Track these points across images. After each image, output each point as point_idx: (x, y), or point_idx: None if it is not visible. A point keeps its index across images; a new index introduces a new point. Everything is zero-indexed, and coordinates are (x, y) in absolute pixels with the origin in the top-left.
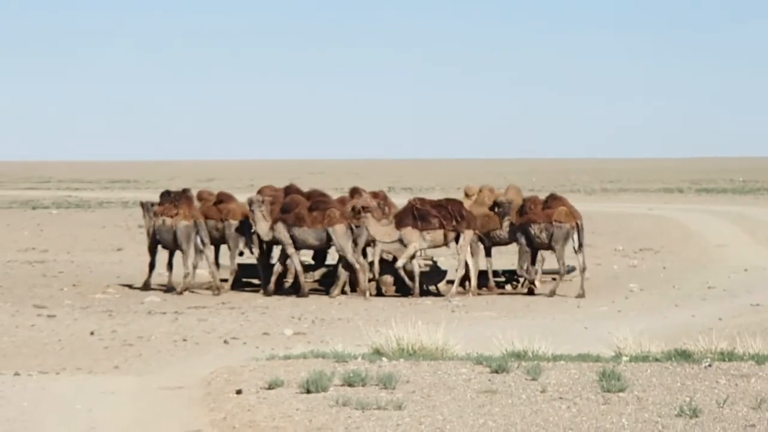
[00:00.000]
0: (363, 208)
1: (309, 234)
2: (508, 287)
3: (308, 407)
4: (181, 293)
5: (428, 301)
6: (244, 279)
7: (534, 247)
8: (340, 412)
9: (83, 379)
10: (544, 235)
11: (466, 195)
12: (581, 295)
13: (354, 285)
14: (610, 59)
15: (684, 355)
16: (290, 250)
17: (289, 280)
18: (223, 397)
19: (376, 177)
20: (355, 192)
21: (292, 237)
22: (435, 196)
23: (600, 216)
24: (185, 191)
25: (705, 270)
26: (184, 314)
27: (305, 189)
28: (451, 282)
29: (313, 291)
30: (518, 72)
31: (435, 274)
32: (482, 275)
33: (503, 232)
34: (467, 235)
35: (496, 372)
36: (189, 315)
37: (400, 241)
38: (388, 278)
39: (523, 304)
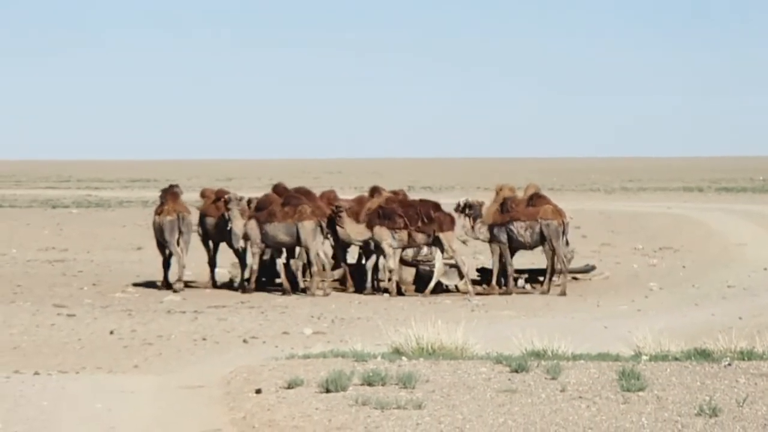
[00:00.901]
0: (337, 206)
1: (279, 229)
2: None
3: (328, 407)
4: (179, 288)
5: (448, 300)
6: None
7: (514, 247)
8: (359, 412)
9: (103, 378)
10: (528, 234)
11: (497, 193)
12: (563, 293)
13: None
14: (630, 56)
15: (704, 354)
16: (254, 249)
17: (307, 279)
18: (242, 397)
19: (396, 176)
20: (375, 191)
21: (264, 234)
22: (456, 195)
23: (620, 215)
24: (171, 187)
25: (725, 269)
26: (204, 313)
27: (322, 189)
28: (475, 282)
29: (333, 290)
30: (539, 70)
31: (454, 273)
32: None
33: (478, 233)
34: (444, 237)
35: (516, 371)
36: (208, 314)
37: (373, 239)
38: (408, 277)
39: (542, 303)
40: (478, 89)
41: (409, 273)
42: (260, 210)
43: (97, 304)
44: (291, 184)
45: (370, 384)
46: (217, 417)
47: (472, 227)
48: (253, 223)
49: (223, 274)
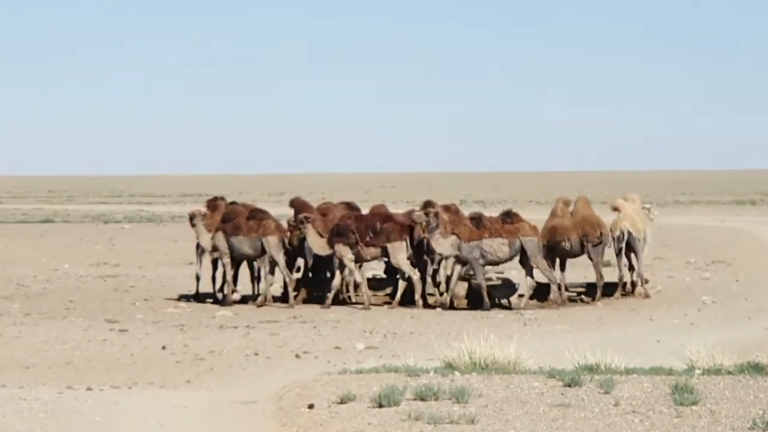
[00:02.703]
0: (305, 217)
1: (244, 242)
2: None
3: (380, 421)
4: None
5: (500, 314)
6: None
7: (487, 263)
8: (412, 426)
9: (155, 393)
10: (506, 250)
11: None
12: (524, 307)
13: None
14: (679, 71)
15: (757, 368)
16: (225, 259)
17: (357, 293)
18: (295, 412)
19: (447, 190)
20: (428, 205)
21: (230, 246)
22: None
23: (672, 228)
24: (215, 199)
25: None
26: (256, 328)
27: (374, 203)
28: (522, 295)
29: (385, 304)
30: (589, 84)
31: (506, 287)
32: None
33: (435, 244)
34: (391, 248)
35: (569, 385)
36: (260, 329)
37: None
38: (460, 291)
39: (595, 317)
40: (528, 104)
41: (462, 287)
42: (226, 222)
43: (149, 320)
44: (345, 199)
45: (422, 399)
46: (272, 429)
47: (425, 238)
48: (220, 236)
49: (275, 288)
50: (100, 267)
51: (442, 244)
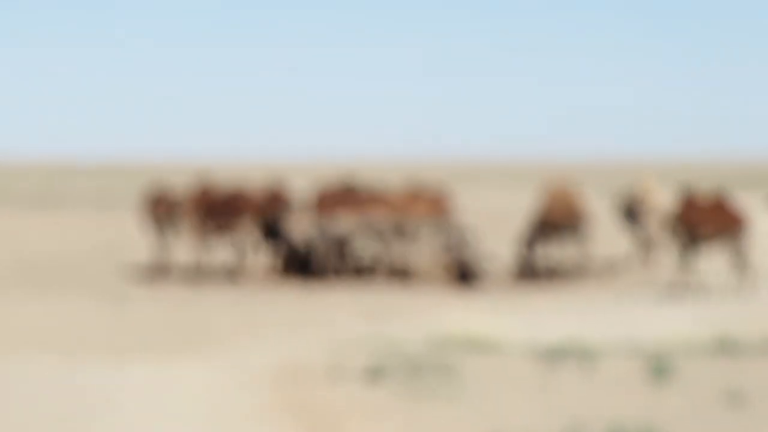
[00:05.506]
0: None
1: None
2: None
3: (371, 392)
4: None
5: (490, 293)
6: None
7: (339, 240)
8: (401, 399)
9: (157, 367)
10: (360, 227)
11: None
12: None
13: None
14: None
15: (731, 345)
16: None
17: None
18: (291, 382)
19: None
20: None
21: None
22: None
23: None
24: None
25: None
26: (253, 302)
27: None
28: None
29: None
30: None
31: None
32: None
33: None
34: (238, 224)
35: (553, 361)
36: (260, 303)
37: None
38: (445, 267)
39: (583, 296)
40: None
41: (447, 263)
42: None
43: (151, 295)
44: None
45: (412, 372)
46: (266, 402)
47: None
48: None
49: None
50: (105, 245)
51: (295, 223)
